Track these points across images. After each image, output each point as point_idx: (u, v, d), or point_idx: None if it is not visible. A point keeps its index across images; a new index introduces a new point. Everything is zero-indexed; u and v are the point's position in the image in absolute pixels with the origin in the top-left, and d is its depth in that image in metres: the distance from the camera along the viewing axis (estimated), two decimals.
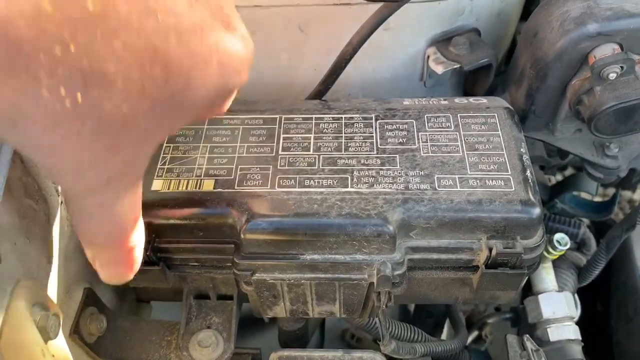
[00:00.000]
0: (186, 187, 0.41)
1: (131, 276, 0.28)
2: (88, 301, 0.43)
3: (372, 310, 0.44)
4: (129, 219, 0.26)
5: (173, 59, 0.20)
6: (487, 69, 0.52)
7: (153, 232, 0.40)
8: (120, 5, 0.18)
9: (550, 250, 0.51)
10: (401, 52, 0.53)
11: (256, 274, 0.40)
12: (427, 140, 0.43)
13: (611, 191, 1.04)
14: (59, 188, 0.38)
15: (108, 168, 0.22)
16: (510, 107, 0.46)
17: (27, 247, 0.35)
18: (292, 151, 0.43)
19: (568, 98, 0.47)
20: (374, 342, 0.62)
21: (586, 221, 0.65)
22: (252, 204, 0.39)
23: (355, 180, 0.41)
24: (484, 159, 0.41)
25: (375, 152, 0.42)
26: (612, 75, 0.43)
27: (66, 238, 0.40)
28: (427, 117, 0.45)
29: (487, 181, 0.40)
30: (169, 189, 0.41)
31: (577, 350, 0.52)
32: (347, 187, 0.40)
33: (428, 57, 0.52)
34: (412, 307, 0.69)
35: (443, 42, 0.52)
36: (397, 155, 0.42)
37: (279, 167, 0.42)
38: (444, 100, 0.47)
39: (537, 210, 0.39)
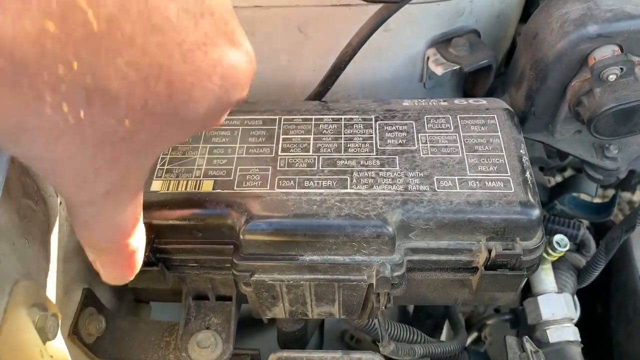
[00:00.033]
0: (185, 188, 0.41)
1: (132, 277, 0.29)
2: (87, 302, 0.43)
3: (372, 311, 0.44)
4: (129, 226, 0.26)
5: (177, 74, 0.20)
6: (487, 70, 0.52)
7: (152, 233, 0.40)
8: (125, 24, 0.18)
9: (550, 251, 0.51)
10: (401, 53, 0.53)
11: (255, 275, 0.40)
12: (426, 141, 0.43)
13: (611, 192, 1.04)
14: None
15: (109, 180, 0.22)
16: (510, 108, 0.46)
17: (26, 247, 0.35)
18: (291, 152, 0.43)
19: (568, 99, 0.47)
20: (373, 343, 0.62)
21: (586, 222, 0.65)
22: (251, 204, 0.39)
23: (354, 181, 0.41)
24: (483, 160, 0.41)
25: (374, 153, 0.42)
26: (612, 77, 0.43)
27: (65, 238, 0.40)
28: (426, 118, 0.45)
29: (486, 182, 0.40)
30: (168, 189, 0.41)
31: (576, 351, 0.52)
32: (347, 188, 0.40)
33: (428, 58, 0.52)
34: (411, 308, 0.69)
35: (443, 43, 0.52)
36: (397, 157, 0.42)
37: (278, 168, 0.42)
38: (444, 101, 0.47)
39: (536, 212, 0.39)
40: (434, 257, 0.40)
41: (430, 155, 0.42)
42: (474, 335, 0.68)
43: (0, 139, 0.19)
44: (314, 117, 0.45)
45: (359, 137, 0.44)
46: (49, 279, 0.38)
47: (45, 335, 0.32)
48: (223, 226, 0.40)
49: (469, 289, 0.43)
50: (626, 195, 1.18)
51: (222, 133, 0.44)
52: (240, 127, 0.45)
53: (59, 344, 0.34)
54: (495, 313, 0.69)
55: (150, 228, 0.40)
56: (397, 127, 0.44)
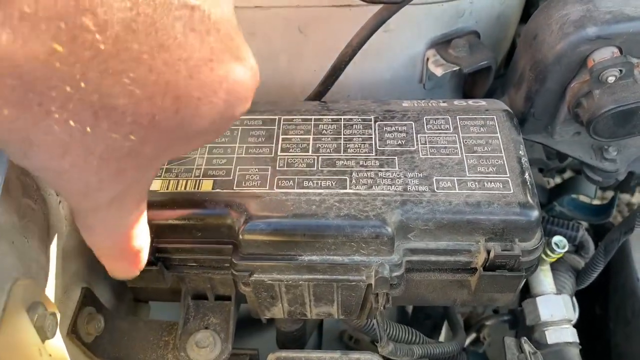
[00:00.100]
0: (185, 188, 0.41)
1: (138, 272, 0.30)
2: (86, 301, 0.43)
3: (370, 311, 0.44)
4: (133, 230, 0.27)
5: (184, 90, 0.20)
6: (487, 72, 0.52)
7: (151, 232, 0.40)
8: (132, 44, 0.18)
9: (549, 252, 0.51)
10: (401, 54, 0.53)
11: (254, 275, 0.40)
12: (426, 142, 0.43)
13: (610, 194, 1.04)
14: None
15: (113, 190, 0.23)
16: (509, 109, 0.46)
17: (25, 246, 0.35)
18: (291, 152, 0.43)
19: (567, 101, 0.47)
20: (371, 344, 0.62)
21: (585, 224, 0.65)
22: (250, 204, 0.39)
23: (354, 181, 0.41)
24: (482, 161, 0.41)
25: (374, 154, 0.42)
26: (611, 79, 0.43)
27: (64, 238, 0.40)
28: (426, 119, 0.45)
29: (485, 183, 0.40)
30: (167, 189, 0.41)
31: (574, 353, 0.52)
32: (346, 188, 0.40)
33: (427, 59, 0.52)
34: (410, 308, 0.69)
35: (442, 44, 0.52)
36: (396, 157, 0.42)
37: (277, 168, 0.42)
38: (443, 102, 0.47)
39: (535, 213, 0.39)
40: (432, 258, 0.40)
41: (429, 156, 0.42)
42: (473, 336, 0.68)
43: (8, 152, 0.20)
44: (313, 117, 0.45)
45: (359, 137, 0.44)
46: (48, 278, 0.38)
47: (44, 334, 0.32)
48: (222, 226, 0.40)
49: (467, 290, 0.43)
50: (625, 197, 1.19)
51: None
52: (240, 127, 0.45)
53: (57, 343, 0.34)
54: (494, 314, 0.69)
55: (149, 227, 0.40)
56: (396, 127, 0.44)
